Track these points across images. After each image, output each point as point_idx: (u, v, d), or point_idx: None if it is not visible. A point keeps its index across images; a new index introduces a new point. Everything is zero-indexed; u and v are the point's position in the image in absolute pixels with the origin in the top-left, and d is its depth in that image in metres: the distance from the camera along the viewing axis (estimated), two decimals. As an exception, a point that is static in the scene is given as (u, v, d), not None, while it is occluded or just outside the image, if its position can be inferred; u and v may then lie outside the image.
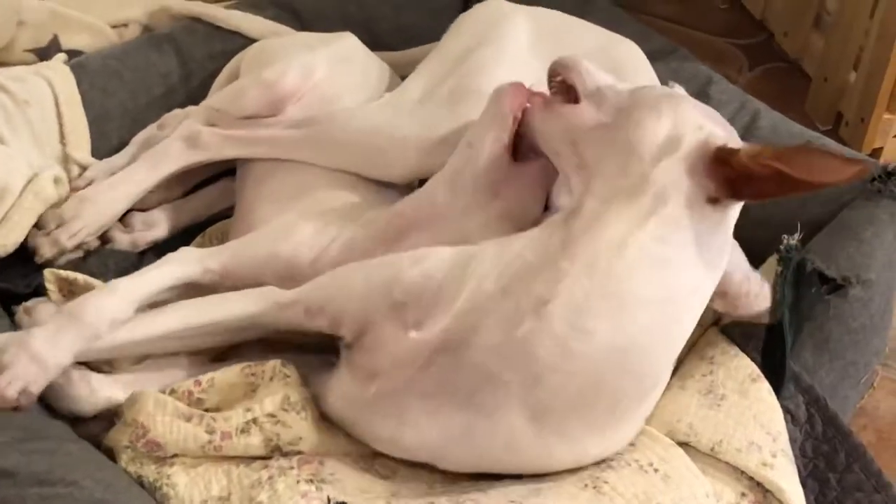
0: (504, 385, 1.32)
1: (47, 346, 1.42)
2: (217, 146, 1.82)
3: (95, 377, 1.49)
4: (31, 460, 1.31)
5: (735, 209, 1.38)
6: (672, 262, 1.32)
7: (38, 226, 1.73)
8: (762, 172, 1.27)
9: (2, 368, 1.39)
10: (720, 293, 1.45)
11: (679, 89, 1.60)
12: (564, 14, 1.93)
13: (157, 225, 1.90)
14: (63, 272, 1.63)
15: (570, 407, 1.33)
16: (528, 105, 1.55)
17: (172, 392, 1.48)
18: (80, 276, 1.63)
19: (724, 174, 1.31)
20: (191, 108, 1.92)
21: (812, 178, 1.25)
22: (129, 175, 1.82)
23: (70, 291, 1.63)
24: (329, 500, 1.25)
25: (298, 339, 1.59)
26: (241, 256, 1.61)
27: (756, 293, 1.52)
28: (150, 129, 1.93)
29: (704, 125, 1.36)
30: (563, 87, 1.54)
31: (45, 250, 1.72)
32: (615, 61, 1.79)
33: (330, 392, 1.46)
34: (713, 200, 1.33)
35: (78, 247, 1.77)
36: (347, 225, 1.60)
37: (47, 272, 1.62)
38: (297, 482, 1.38)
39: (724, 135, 1.36)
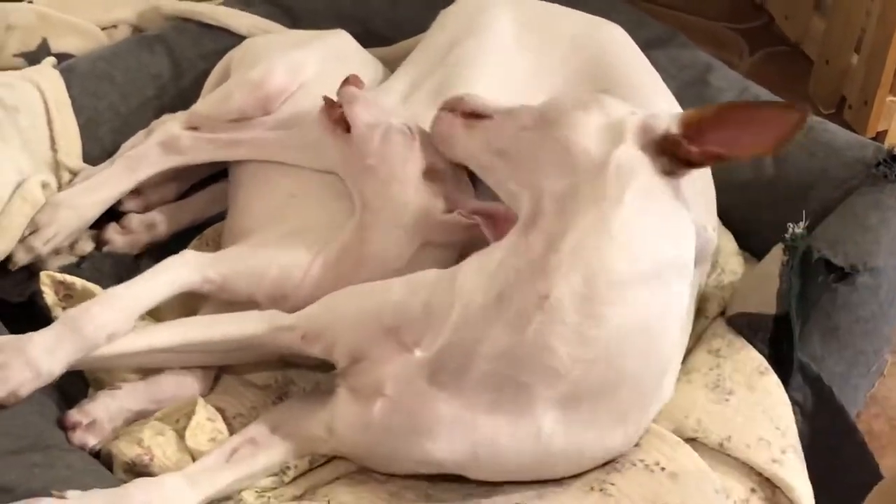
0: (525, 387, 1.30)
1: (44, 354, 1.41)
2: (195, 150, 1.80)
3: None
4: (31, 475, 1.31)
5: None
6: (655, 231, 1.32)
7: None
8: (709, 155, 1.33)
9: None
10: None
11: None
12: (546, 3, 1.91)
13: (155, 227, 1.88)
14: (59, 275, 1.60)
15: (596, 396, 1.31)
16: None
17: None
18: (78, 281, 1.60)
19: (673, 155, 1.34)
20: (178, 114, 1.89)
21: (755, 144, 1.31)
22: (105, 179, 1.79)
23: (67, 295, 1.60)
24: None
25: (299, 361, 1.60)
26: (238, 270, 1.59)
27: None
28: (139, 137, 1.90)
29: (633, 110, 1.39)
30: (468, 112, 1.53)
31: (20, 256, 1.69)
32: (600, 46, 1.78)
33: (337, 421, 1.43)
34: (668, 173, 1.35)
35: (70, 251, 1.76)
36: (329, 241, 1.59)
37: (43, 275, 1.59)
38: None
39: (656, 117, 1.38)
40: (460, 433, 1.34)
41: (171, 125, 1.82)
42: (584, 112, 1.39)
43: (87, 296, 1.58)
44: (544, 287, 1.28)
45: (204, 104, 1.84)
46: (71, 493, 1.29)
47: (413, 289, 1.40)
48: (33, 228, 1.69)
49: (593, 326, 1.28)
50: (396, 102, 1.73)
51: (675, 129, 1.34)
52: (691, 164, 1.34)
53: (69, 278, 1.60)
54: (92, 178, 1.80)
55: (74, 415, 1.51)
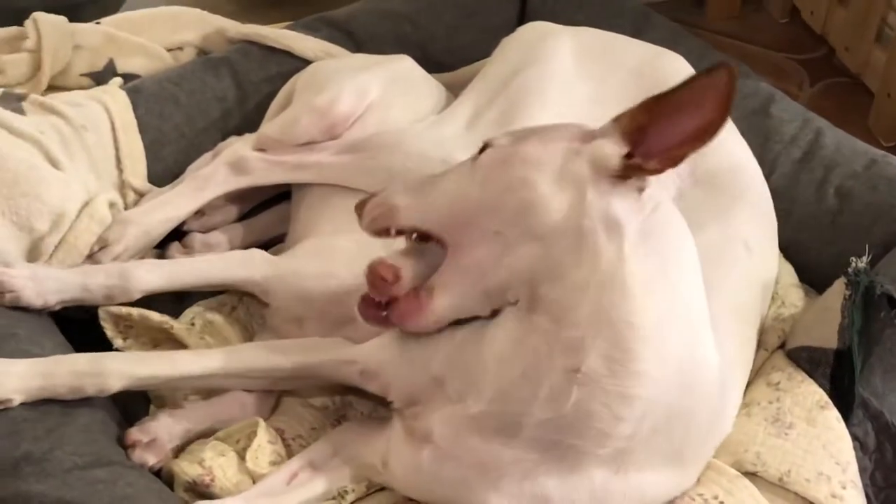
0: (573, 448, 1.28)
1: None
2: (263, 171, 1.82)
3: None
4: (94, 491, 1.33)
5: None
6: (664, 269, 1.26)
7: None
8: (667, 160, 1.24)
9: None
10: None
11: None
12: (607, 32, 1.91)
13: (217, 247, 1.90)
14: (115, 308, 1.63)
15: (648, 443, 1.29)
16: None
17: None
18: (134, 311, 1.63)
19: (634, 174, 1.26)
20: (246, 136, 1.91)
21: (701, 121, 1.20)
22: (173, 198, 1.81)
23: (127, 327, 1.64)
24: None
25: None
26: (296, 277, 1.62)
27: None
28: (206, 158, 1.93)
29: (570, 146, 1.28)
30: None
31: None
32: (662, 76, 1.76)
33: (391, 457, 1.43)
34: (642, 189, 1.26)
35: None
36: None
37: (101, 311, 1.62)
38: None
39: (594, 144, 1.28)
40: (514, 487, 1.32)
41: (239, 146, 1.84)
42: (524, 173, 1.27)
43: (144, 323, 1.63)
44: (572, 363, 1.23)
45: (271, 127, 1.86)
46: None
47: (459, 344, 1.36)
48: (102, 245, 1.71)
49: (633, 385, 1.24)
50: (461, 129, 1.74)
51: (623, 149, 1.25)
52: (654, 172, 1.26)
53: (125, 310, 1.63)
54: (159, 196, 1.82)
55: (135, 433, 1.52)
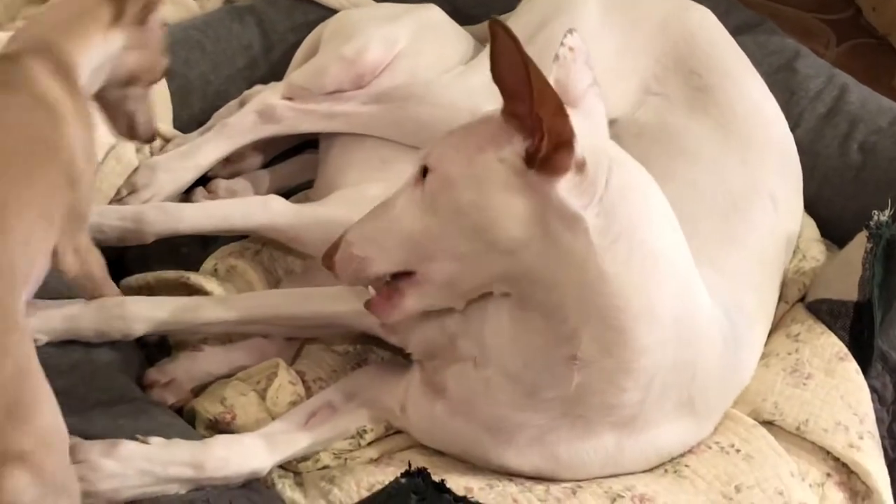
0: (582, 417, 1.30)
1: None
2: (292, 120, 1.83)
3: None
4: (116, 426, 1.35)
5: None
6: (637, 245, 1.21)
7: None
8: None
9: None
10: None
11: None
12: None
13: (241, 193, 1.90)
14: (134, 279, 1.66)
15: (657, 403, 1.30)
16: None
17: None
18: (150, 276, 1.66)
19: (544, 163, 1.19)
20: (273, 84, 1.92)
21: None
22: (202, 145, 1.82)
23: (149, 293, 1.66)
24: (410, 465, 1.24)
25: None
26: (312, 223, 1.63)
27: None
28: (232, 106, 1.93)
29: (498, 156, 1.21)
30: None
31: None
32: (689, 28, 1.77)
33: (409, 404, 1.45)
34: (581, 166, 1.19)
35: None
36: None
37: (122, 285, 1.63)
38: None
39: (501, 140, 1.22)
40: (525, 446, 1.34)
41: (268, 94, 1.85)
42: (473, 204, 1.21)
43: (163, 283, 1.67)
44: (569, 351, 1.24)
45: (299, 76, 1.87)
46: (154, 440, 1.33)
47: (469, 308, 1.34)
48: (130, 189, 1.73)
49: (633, 359, 1.24)
50: (488, 80, 1.74)
51: (525, 144, 1.19)
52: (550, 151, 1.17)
53: (141, 279, 1.66)
54: (188, 143, 1.83)
55: (153, 373, 1.55)
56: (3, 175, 1.18)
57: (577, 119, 1.18)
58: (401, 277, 1.30)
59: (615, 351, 1.23)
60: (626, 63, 1.74)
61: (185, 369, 1.57)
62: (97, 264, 1.43)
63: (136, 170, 1.75)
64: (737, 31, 1.87)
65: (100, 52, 1.38)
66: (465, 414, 1.37)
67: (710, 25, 1.81)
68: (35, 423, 1.06)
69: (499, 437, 1.35)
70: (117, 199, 1.72)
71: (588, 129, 1.24)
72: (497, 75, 1.19)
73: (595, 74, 1.36)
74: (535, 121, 1.16)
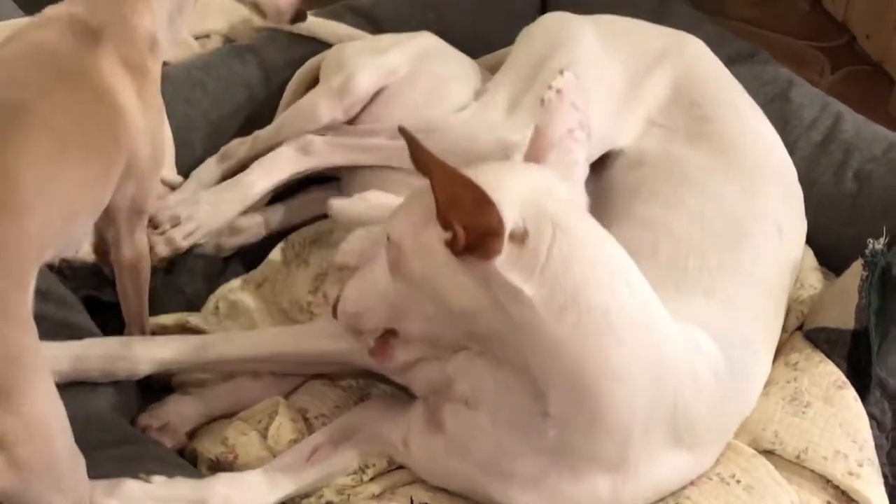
0: (570, 465, 1.31)
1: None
2: (326, 154, 1.84)
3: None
4: (122, 467, 1.36)
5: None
6: (586, 304, 1.21)
7: (153, 225, 1.75)
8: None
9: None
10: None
11: None
12: (625, 18, 1.93)
13: (243, 231, 1.92)
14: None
15: (644, 440, 1.30)
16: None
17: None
18: (152, 322, 1.67)
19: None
20: (257, 133, 1.93)
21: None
22: (244, 180, 1.83)
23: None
24: (412, 500, 1.26)
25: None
26: None
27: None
28: (211, 162, 1.95)
29: (438, 234, 1.21)
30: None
31: (161, 248, 1.74)
32: (686, 60, 1.80)
33: (411, 439, 1.46)
34: (522, 241, 1.20)
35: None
36: None
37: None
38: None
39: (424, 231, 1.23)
40: (526, 486, 1.34)
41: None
42: (424, 277, 1.24)
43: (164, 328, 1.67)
44: (541, 407, 1.27)
45: (290, 114, 1.90)
46: (156, 478, 1.35)
47: (462, 355, 1.38)
48: (174, 222, 1.74)
49: (605, 410, 1.25)
50: (503, 114, 1.76)
51: (445, 235, 1.19)
52: (475, 238, 1.18)
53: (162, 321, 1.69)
54: (230, 179, 1.85)
55: (145, 418, 1.57)
56: (36, 164, 1.18)
57: (530, 176, 1.25)
58: (390, 331, 1.34)
59: (585, 407, 1.25)
60: (629, 93, 1.76)
61: (176, 412, 1.58)
62: (146, 262, 1.50)
63: (178, 203, 1.77)
64: (730, 62, 1.89)
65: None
66: (461, 453, 1.38)
67: (705, 57, 1.83)
68: (21, 410, 1.07)
69: (496, 477, 1.36)
70: (160, 233, 1.74)
71: (544, 182, 1.26)
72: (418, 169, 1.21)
73: (582, 116, 1.37)
74: (446, 223, 1.18)
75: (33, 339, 1.13)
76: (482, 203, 1.15)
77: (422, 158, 1.17)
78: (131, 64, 1.35)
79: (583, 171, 1.36)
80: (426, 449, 1.43)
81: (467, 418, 1.36)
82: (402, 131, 1.20)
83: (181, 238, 1.75)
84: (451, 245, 1.19)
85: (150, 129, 1.37)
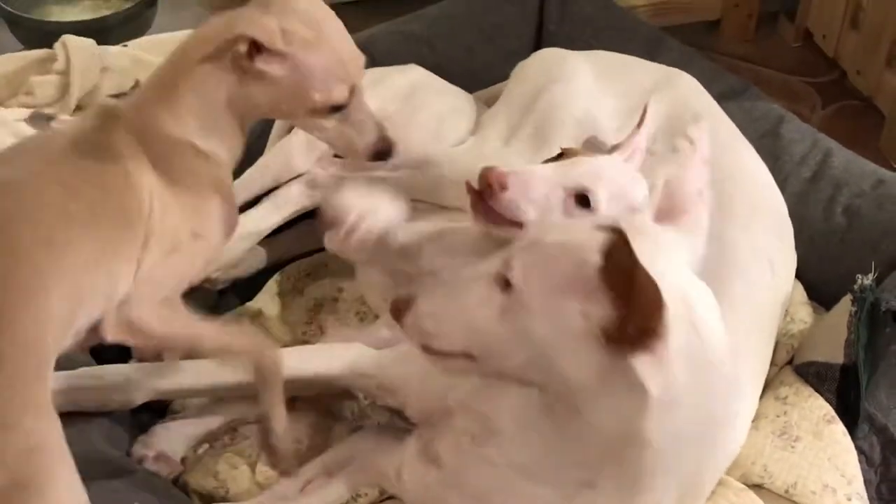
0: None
1: None
2: (333, 186, 1.83)
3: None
4: (116, 500, 1.37)
5: None
6: (691, 406, 1.18)
7: None
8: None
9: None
10: None
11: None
12: (618, 54, 1.95)
13: (238, 264, 1.91)
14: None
15: (659, 484, 1.26)
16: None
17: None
18: None
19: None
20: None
21: None
22: (254, 216, 1.84)
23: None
24: None
25: None
26: None
27: None
28: None
29: (583, 308, 1.15)
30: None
31: None
32: (678, 96, 1.82)
33: (405, 470, 1.45)
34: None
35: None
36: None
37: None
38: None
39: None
40: None
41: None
42: (546, 342, 1.17)
43: None
44: (586, 477, 1.24)
45: (270, 157, 1.89)
46: None
47: (475, 389, 1.36)
48: None
49: (643, 493, 1.23)
50: (499, 146, 1.77)
51: (616, 315, 1.13)
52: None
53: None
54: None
55: (139, 449, 1.56)
56: (50, 245, 1.17)
57: (674, 247, 1.22)
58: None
59: (627, 489, 1.22)
60: (623, 129, 1.77)
61: (166, 440, 1.59)
62: (138, 341, 1.37)
63: None
64: (721, 98, 1.91)
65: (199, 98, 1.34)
66: (458, 487, 1.36)
67: (697, 92, 1.85)
68: (45, 501, 1.07)
69: None
70: None
71: (693, 285, 1.22)
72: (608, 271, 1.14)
73: (708, 173, 1.33)
74: (625, 319, 1.12)
75: (56, 427, 1.12)
76: (658, 307, 1.10)
77: (624, 261, 1.10)
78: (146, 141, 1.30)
79: (704, 233, 1.31)
80: (419, 481, 1.42)
81: (469, 453, 1.34)
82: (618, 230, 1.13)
83: None
84: (607, 331, 1.13)
85: (176, 210, 1.32)
